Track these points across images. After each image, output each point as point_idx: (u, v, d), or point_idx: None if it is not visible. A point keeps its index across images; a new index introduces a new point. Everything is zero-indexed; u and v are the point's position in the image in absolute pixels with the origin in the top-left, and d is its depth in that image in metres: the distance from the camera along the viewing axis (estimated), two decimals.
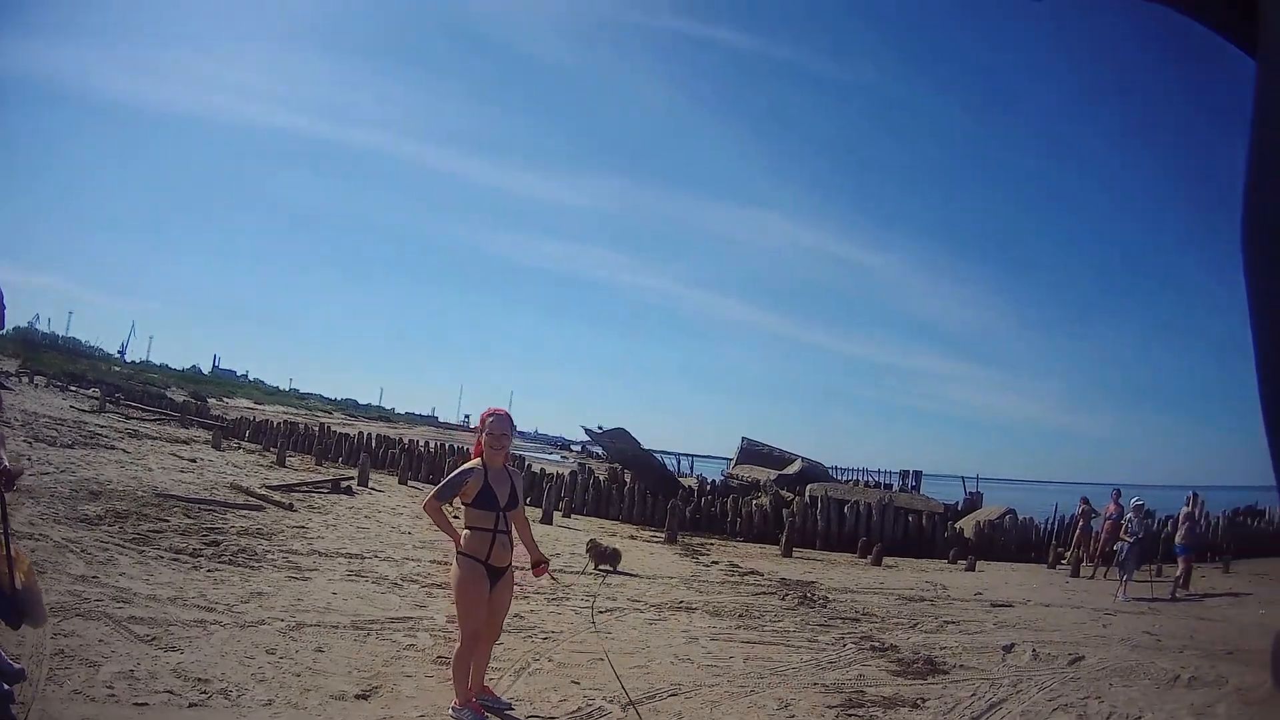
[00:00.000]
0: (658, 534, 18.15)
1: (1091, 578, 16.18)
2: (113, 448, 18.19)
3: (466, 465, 5.48)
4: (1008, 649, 8.62)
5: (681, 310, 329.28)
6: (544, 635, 7.67)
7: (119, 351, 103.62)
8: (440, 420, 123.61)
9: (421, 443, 31.54)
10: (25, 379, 39.17)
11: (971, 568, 16.85)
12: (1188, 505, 16.44)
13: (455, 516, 10.03)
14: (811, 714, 6.12)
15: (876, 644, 8.53)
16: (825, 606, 10.80)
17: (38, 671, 5.03)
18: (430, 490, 5.50)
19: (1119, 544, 14.64)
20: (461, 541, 5.35)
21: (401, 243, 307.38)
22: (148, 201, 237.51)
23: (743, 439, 27.90)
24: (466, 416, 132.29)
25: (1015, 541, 20.36)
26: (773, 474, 24.89)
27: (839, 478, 30.35)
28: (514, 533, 5.46)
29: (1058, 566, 18.04)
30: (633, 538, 17.25)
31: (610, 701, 5.94)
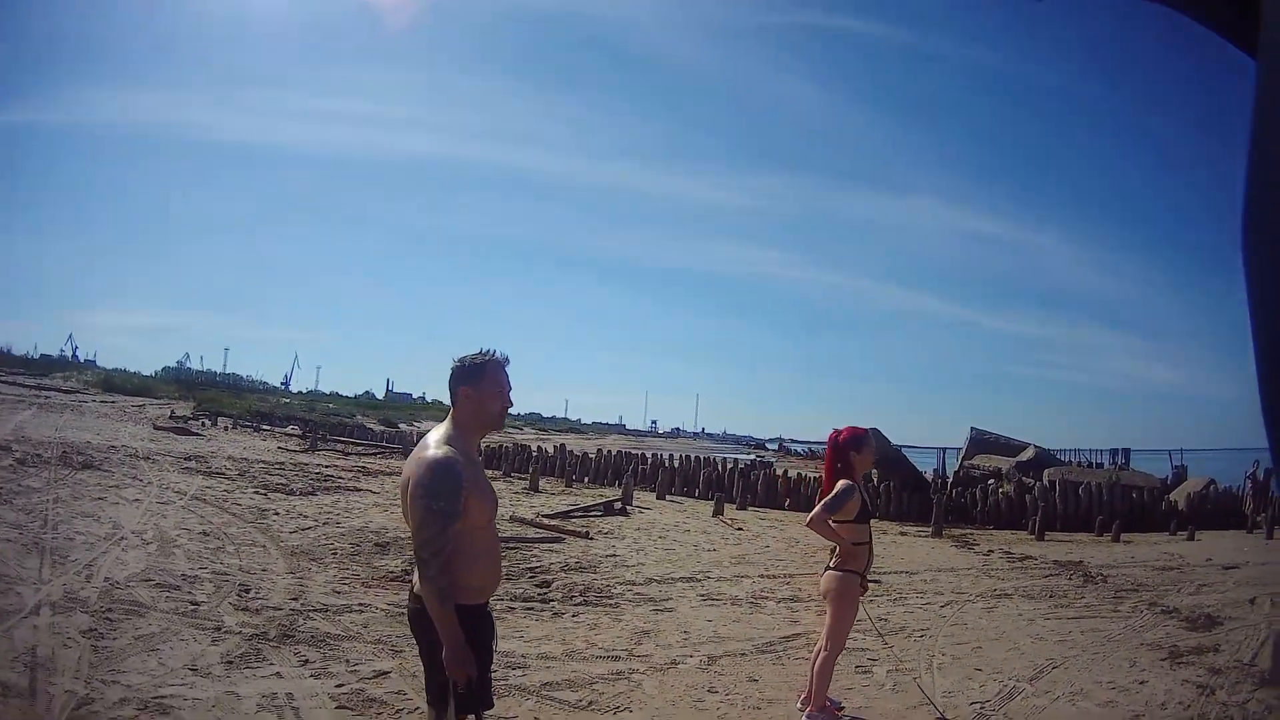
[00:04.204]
0: (923, 528, 19.09)
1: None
2: (357, 489, 17.64)
3: (848, 483, 5.58)
4: (1252, 601, 10.52)
5: (848, 302, 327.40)
6: (920, 633, 8.54)
7: (283, 383, 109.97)
8: (628, 428, 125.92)
9: (666, 456, 31.20)
10: (207, 422, 37.51)
11: (1191, 537, 18.65)
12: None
13: (739, 527, 13.30)
14: (1152, 667, 7.53)
15: (1162, 608, 10.24)
16: (1105, 582, 12.30)
17: None
18: (818, 507, 5.57)
19: None
20: (846, 556, 5.57)
21: (575, 257, 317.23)
22: (301, 238, 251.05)
23: (970, 429, 29.10)
24: (654, 422, 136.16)
25: (1220, 510, 22.00)
26: (1011, 461, 26.14)
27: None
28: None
29: (1253, 531, 19.84)
30: (902, 534, 18.20)
31: (1018, 681, 6.99)
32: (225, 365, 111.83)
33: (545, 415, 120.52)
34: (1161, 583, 12.41)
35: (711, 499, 20.61)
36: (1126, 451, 33.17)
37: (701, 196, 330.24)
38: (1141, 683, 7.11)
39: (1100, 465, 31.37)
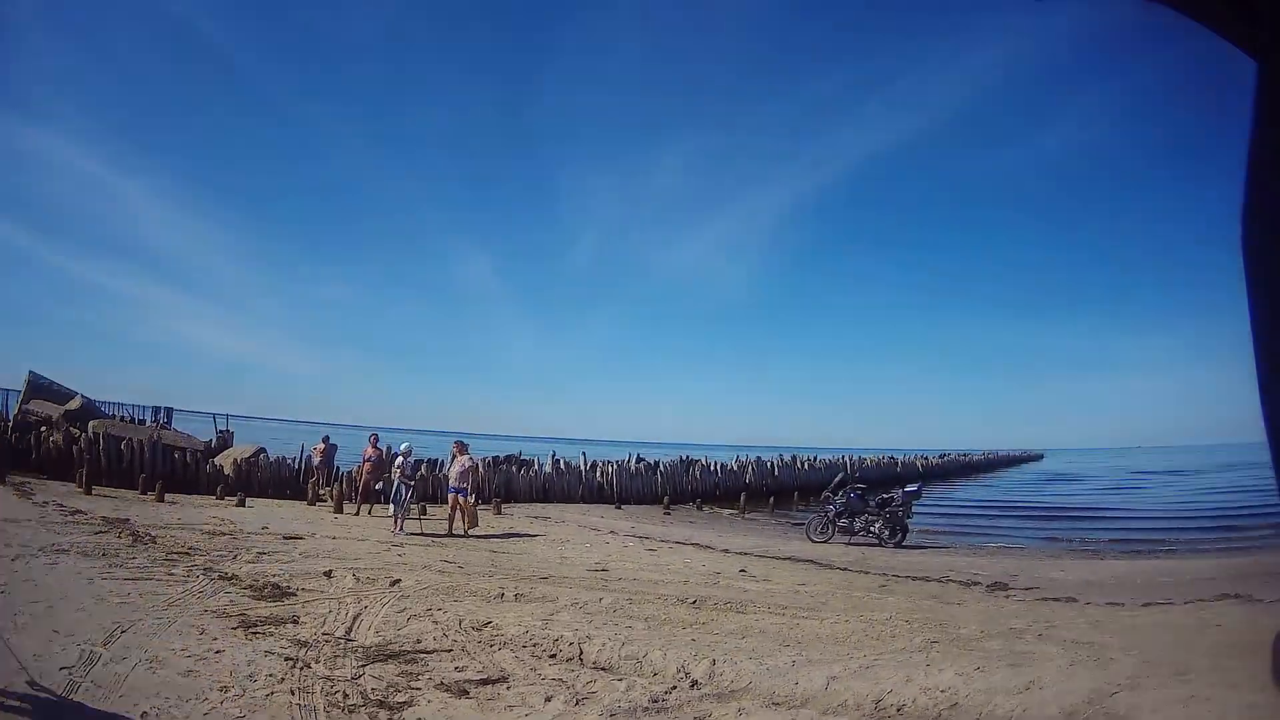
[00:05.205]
0: None
1: (356, 514, 18.37)
2: None
3: None
4: (328, 574, 10.46)
5: None
6: None
7: None
8: None
9: None
10: None
11: (242, 503, 18.69)
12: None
13: None
14: (225, 636, 7.22)
15: (222, 574, 10.01)
16: (155, 543, 11.96)
17: None
18: None
19: (394, 485, 16.38)
20: None
21: None
22: None
23: (30, 372, 26.59)
24: None
25: (273, 479, 22.69)
26: (61, 409, 24.66)
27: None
28: None
29: (317, 504, 20.30)
30: None
31: (94, 645, 6.60)
32: None
33: None
34: (215, 548, 12.16)
35: None
36: (170, 410, 33.32)
37: None
38: (218, 652, 6.78)
39: (143, 421, 30.80)
